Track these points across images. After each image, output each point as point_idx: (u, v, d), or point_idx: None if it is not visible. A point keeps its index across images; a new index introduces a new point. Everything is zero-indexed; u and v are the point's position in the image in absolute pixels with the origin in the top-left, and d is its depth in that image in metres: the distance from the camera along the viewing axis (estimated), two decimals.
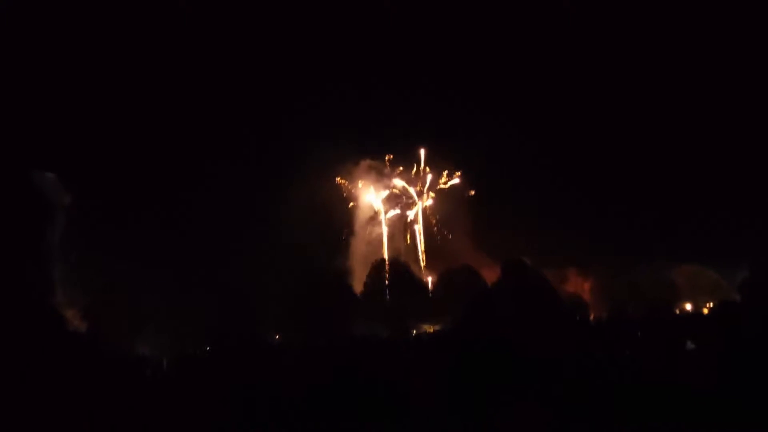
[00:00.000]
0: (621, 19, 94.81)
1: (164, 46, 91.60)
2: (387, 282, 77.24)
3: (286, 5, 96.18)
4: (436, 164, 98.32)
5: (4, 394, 40.89)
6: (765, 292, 60.35)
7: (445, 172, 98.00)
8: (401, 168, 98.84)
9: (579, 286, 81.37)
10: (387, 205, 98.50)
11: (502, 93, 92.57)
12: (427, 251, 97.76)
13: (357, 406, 39.71)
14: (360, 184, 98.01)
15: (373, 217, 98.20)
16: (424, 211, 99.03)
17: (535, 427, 36.38)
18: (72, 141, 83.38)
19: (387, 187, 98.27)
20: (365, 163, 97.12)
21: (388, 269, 78.24)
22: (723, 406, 37.62)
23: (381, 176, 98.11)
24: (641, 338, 59.11)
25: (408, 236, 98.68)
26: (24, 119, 78.23)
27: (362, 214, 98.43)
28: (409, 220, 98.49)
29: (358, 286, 76.42)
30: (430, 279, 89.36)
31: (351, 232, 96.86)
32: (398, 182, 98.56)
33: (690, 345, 57.40)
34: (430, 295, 78.62)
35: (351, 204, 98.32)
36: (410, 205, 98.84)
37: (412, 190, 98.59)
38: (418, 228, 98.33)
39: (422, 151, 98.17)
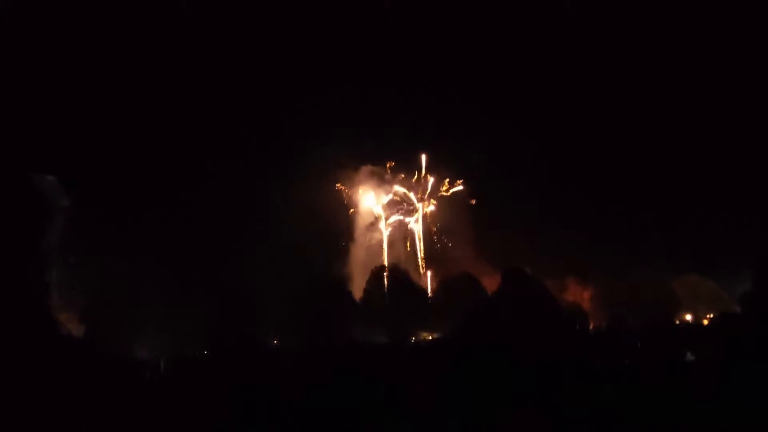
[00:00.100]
0: (619, 22, 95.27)
1: (164, 48, 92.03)
2: (386, 288, 77.02)
3: (288, 8, 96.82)
4: (437, 171, 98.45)
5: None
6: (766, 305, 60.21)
7: (447, 180, 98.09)
8: (402, 175, 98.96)
9: (579, 295, 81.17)
10: (387, 211, 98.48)
11: (505, 100, 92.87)
12: (427, 258, 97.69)
13: (354, 410, 39.55)
14: (360, 190, 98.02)
15: (373, 224, 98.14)
16: (424, 218, 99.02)
17: None
18: (72, 142, 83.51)
19: (388, 193, 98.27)
20: (366, 168, 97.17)
21: (388, 276, 78.00)
22: (722, 417, 37.48)
23: (382, 182, 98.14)
24: (641, 348, 58.90)
25: (408, 243, 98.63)
26: (23, 120, 78.39)
27: (362, 221, 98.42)
28: (409, 227, 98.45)
29: (357, 293, 76.16)
30: (429, 286, 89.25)
31: (351, 238, 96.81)
32: (399, 189, 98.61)
33: (690, 356, 57.22)
34: (430, 302, 78.34)
35: (351, 210, 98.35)
36: (411, 211, 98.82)
37: (413, 197, 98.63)
38: (418, 235, 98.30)
39: (423, 158, 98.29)
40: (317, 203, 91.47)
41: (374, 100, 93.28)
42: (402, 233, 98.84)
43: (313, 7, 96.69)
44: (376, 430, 38.08)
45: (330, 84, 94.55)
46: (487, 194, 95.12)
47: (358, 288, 77.93)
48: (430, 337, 71.44)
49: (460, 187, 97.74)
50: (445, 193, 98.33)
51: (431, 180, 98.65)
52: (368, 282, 77.49)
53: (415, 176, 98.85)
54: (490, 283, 70.73)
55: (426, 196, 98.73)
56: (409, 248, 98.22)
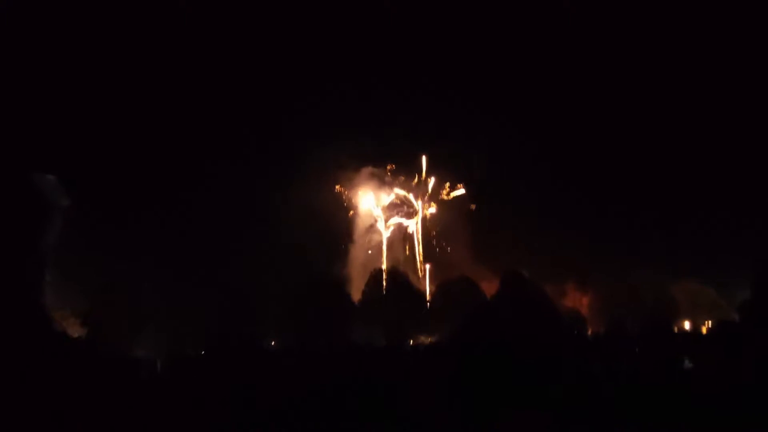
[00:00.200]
0: (618, 23, 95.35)
1: (163, 48, 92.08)
2: (385, 291, 76.93)
3: (290, 11, 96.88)
4: (439, 174, 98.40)
5: None
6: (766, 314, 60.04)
7: (447, 184, 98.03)
8: (403, 177, 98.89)
9: (578, 300, 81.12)
10: (387, 213, 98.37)
11: (505, 103, 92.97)
12: (426, 261, 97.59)
13: (352, 412, 39.45)
14: (360, 191, 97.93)
15: (373, 226, 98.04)
16: (424, 221, 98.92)
17: None
18: (71, 141, 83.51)
19: (387, 195, 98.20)
20: (366, 170, 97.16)
21: (387, 278, 77.91)
22: (720, 426, 37.35)
23: (382, 184, 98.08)
24: (639, 354, 58.71)
25: (407, 246, 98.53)
26: (23, 120, 78.39)
27: (362, 222, 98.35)
28: (410, 231, 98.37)
29: (356, 294, 76.07)
30: (428, 289, 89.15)
31: (350, 239, 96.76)
32: (399, 191, 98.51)
33: (688, 363, 57.03)
34: (429, 305, 78.24)
35: (351, 212, 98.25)
36: (411, 214, 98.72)
37: (412, 198, 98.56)
38: (418, 238, 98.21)
39: (424, 160, 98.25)
40: (317, 204, 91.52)
41: (375, 101, 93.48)
42: (401, 235, 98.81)
43: (315, 8, 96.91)
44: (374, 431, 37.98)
45: (330, 84, 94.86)
46: (487, 197, 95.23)
47: (356, 290, 77.85)
48: (429, 341, 71.27)
49: (462, 191, 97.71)
50: (445, 197, 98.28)
51: (431, 183, 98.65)
52: (367, 284, 77.44)
53: (416, 179, 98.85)
54: (489, 287, 70.63)
55: (426, 198, 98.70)
56: (408, 251, 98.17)
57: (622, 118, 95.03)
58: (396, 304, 73.45)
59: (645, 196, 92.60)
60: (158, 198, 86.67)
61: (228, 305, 67.73)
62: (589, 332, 69.95)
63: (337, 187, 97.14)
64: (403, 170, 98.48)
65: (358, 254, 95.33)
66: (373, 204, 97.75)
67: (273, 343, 71.52)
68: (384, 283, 77.31)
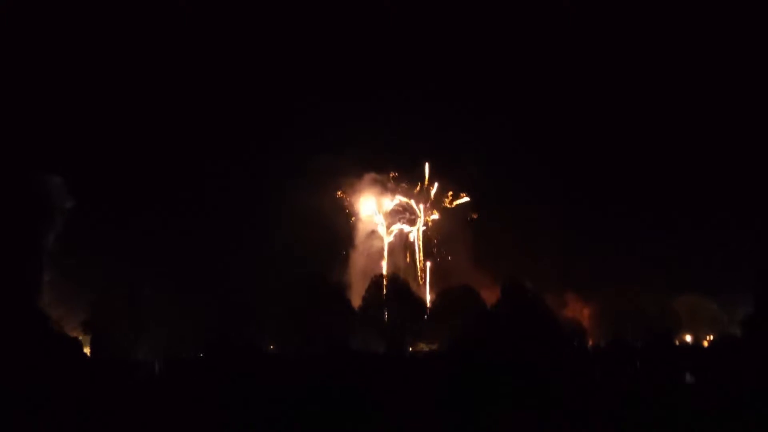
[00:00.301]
0: (618, 27, 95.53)
1: (170, 58, 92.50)
2: (385, 297, 76.47)
3: (296, 21, 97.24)
4: (441, 183, 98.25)
5: None
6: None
7: (450, 193, 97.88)
8: (405, 184, 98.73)
9: (578, 311, 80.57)
10: (389, 219, 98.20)
11: (509, 114, 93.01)
12: (426, 269, 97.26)
13: (348, 416, 39.18)
14: (362, 197, 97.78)
15: (374, 232, 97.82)
16: (426, 228, 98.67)
17: None
18: (74, 142, 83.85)
19: (391, 201, 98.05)
20: (369, 176, 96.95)
21: (387, 285, 77.48)
22: None
23: (384, 191, 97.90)
24: (640, 368, 58.32)
25: (408, 253, 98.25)
26: (25, 121, 78.63)
27: (363, 228, 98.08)
28: (411, 239, 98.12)
29: (356, 300, 75.65)
30: (428, 297, 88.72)
31: (351, 245, 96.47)
32: (401, 198, 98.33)
33: (689, 378, 56.64)
34: (428, 313, 77.78)
35: (353, 218, 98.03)
36: (412, 221, 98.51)
37: (414, 205, 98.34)
38: (419, 244, 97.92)
39: (426, 167, 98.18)
40: (319, 209, 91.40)
41: (378, 109, 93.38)
42: (402, 242, 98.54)
43: (321, 16, 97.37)
44: None
45: (334, 91, 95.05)
46: (489, 207, 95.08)
47: (357, 295, 77.43)
48: (427, 348, 70.83)
49: (466, 199, 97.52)
50: (448, 205, 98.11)
51: (434, 190, 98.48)
52: (367, 290, 76.90)
53: (418, 187, 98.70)
54: (490, 295, 70.28)
55: (428, 205, 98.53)
56: (408, 258, 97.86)
57: (626, 131, 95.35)
58: (396, 310, 73.00)
59: (648, 209, 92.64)
60: (160, 204, 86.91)
61: (228, 309, 67.51)
62: (590, 343, 69.57)
63: (339, 193, 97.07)
64: (406, 177, 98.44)
65: (359, 259, 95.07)
66: (374, 210, 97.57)
67: (272, 347, 71.15)
68: (384, 290, 76.84)
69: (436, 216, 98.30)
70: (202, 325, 65.49)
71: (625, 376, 56.22)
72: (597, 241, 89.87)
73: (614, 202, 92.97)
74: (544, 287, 73.59)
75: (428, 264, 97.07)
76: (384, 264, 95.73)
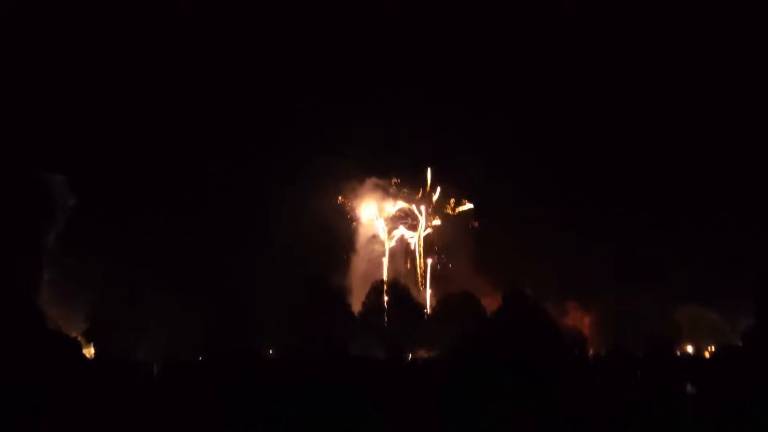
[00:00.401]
0: (618, 28, 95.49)
1: (170, 58, 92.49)
2: (385, 303, 76.23)
3: (296, 19, 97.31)
4: (443, 188, 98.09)
5: None
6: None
7: (452, 200, 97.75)
8: (406, 190, 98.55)
9: (579, 319, 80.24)
10: (390, 225, 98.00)
11: (511, 119, 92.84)
12: (427, 275, 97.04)
13: (348, 416, 39.02)
14: (364, 202, 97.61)
15: (375, 236, 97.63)
16: (427, 234, 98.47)
17: None
18: (74, 142, 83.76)
19: (393, 206, 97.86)
20: (371, 181, 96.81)
21: (387, 290, 77.24)
22: None
23: (386, 195, 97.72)
24: (641, 377, 57.99)
25: (409, 258, 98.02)
26: (27, 120, 78.56)
27: (364, 233, 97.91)
28: (413, 247, 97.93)
29: (356, 305, 75.40)
30: (429, 303, 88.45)
31: (352, 249, 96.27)
32: (402, 204, 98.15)
33: (690, 388, 56.32)
34: (428, 319, 77.51)
35: (354, 223, 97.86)
36: (413, 226, 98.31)
37: (416, 210, 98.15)
38: (419, 250, 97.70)
39: (429, 172, 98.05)
40: (320, 213, 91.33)
41: (379, 109, 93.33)
42: (403, 247, 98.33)
43: (324, 19, 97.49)
44: None
45: (334, 92, 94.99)
46: (490, 210, 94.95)
47: (357, 300, 77.18)
48: (426, 355, 70.53)
49: (470, 206, 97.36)
50: (451, 212, 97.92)
51: (435, 196, 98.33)
52: (367, 296, 76.69)
53: (420, 192, 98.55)
54: (490, 302, 70.02)
55: (430, 211, 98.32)
56: (409, 263, 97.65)
57: (628, 139, 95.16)
58: (396, 316, 72.75)
59: (648, 209, 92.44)
60: (160, 204, 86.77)
61: (228, 312, 67.28)
62: (591, 352, 69.22)
63: (340, 197, 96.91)
64: (408, 183, 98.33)
65: (359, 264, 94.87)
66: (376, 215, 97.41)
67: (271, 351, 70.86)
68: (385, 295, 76.61)
69: (437, 222, 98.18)
70: (202, 325, 65.27)
71: (626, 386, 55.89)
72: (597, 241, 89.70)
73: (614, 203, 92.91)
74: (545, 294, 73.33)
75: (429, 270, 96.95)
76: (384, 269, 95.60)
